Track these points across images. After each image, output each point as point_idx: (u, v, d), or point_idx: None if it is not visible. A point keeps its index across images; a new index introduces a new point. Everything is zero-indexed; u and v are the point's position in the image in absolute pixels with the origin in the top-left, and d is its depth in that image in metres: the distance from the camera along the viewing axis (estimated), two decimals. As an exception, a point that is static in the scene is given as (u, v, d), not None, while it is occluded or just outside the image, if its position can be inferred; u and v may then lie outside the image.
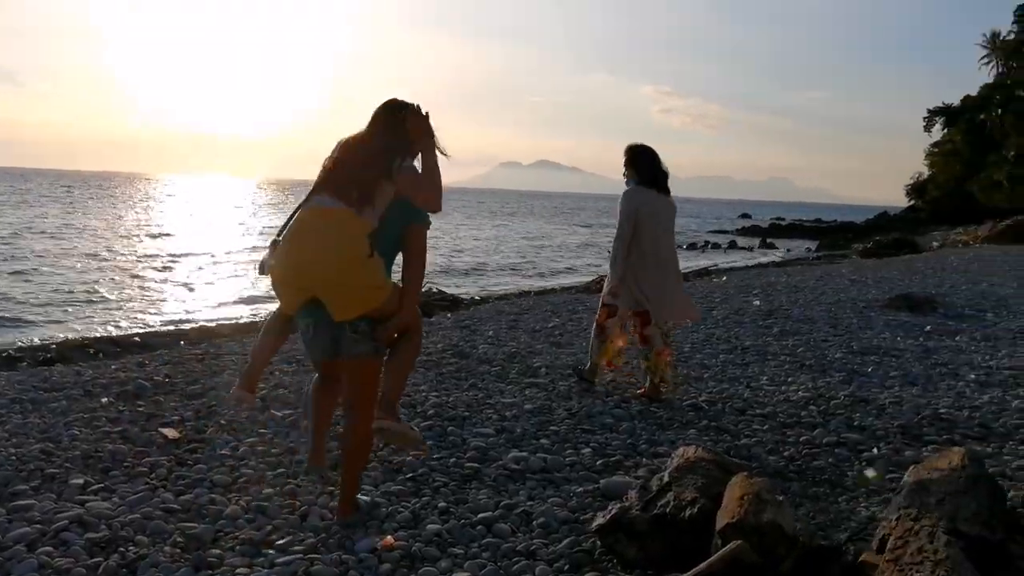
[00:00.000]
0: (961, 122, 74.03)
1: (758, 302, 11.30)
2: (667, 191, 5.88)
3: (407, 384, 4.61)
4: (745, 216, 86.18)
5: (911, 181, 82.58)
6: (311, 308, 3.33)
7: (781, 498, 3.33)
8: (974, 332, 9.16)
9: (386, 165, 3.31)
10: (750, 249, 44.22)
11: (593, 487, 4.03)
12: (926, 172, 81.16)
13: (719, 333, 8.53)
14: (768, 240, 50.25)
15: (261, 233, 34.94)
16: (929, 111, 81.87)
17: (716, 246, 46.03)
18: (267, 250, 3.56)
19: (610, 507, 3.44)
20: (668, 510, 3.33)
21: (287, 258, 3.32)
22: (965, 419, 5.44)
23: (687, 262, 30.14)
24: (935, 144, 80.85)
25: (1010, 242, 28.39)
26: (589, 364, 6.08)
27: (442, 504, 3.75)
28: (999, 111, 67.97)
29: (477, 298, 15.85)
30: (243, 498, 3.77)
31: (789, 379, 6.53)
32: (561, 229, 56.32)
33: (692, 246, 48.73)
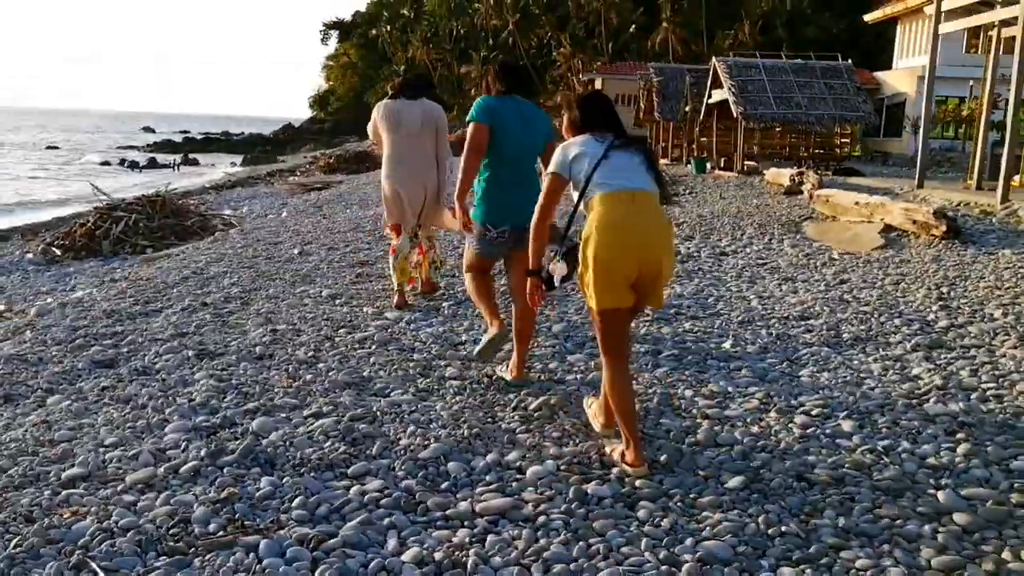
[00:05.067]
0: (355, 36, 77.53)
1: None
2: (416, 97, 5.92)
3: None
4: (148, 130, 79.37)
5: (313, 93, 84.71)
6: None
7: None
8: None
9: None
10: (175, 167, 40.29)
11: None
12: (325, 85, 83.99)
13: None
14: (190, 156, 46.33)
15: None
16: (324, 24, 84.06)
17: (135, 164, 41.00)
18: None
19: None
20: None
21: None
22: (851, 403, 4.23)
23: (106, 181, 25.91)
24: (330, 57, 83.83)
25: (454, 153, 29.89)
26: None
27: None
28: (388, 27, 72.68)
29: None
30: None
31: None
32: None
33: (106, 163, 43.61)
